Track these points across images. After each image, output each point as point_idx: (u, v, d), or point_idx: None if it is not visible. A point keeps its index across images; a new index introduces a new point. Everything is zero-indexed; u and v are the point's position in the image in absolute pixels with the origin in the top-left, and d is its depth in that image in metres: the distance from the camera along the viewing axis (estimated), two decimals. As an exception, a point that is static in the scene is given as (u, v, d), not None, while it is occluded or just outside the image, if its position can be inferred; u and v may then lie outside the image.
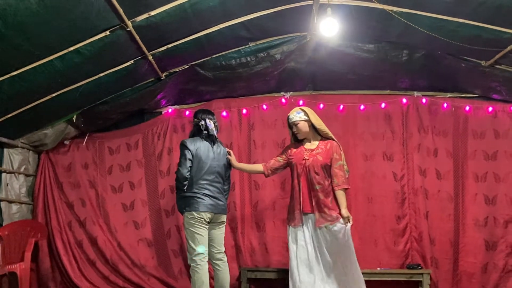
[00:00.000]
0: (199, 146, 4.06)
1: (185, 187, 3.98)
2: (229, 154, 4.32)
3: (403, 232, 5.13)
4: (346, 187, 4.10)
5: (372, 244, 5.16)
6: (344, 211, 4.02)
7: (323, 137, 4.27)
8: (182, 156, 4.03)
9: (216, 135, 4.23)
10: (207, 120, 4.18)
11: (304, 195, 4.13)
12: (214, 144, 4.17)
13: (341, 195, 4.06)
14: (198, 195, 3.96)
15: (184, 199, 4.01)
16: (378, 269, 4.96)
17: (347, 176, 4.16)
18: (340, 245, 4.00)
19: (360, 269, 4.11)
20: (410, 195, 5.18)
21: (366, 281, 4.88)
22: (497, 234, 5.01)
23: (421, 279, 4.77)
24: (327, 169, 4.12)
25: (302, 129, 4.23)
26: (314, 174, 4.09)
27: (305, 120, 4.22)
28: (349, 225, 4.00)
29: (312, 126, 4.25)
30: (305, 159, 4.16)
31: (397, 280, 4.92)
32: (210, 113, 4.31)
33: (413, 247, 5.09)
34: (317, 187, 4.07)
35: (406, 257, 5.09)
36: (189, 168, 3.99)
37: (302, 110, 4.27)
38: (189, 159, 4.00)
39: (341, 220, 4.02)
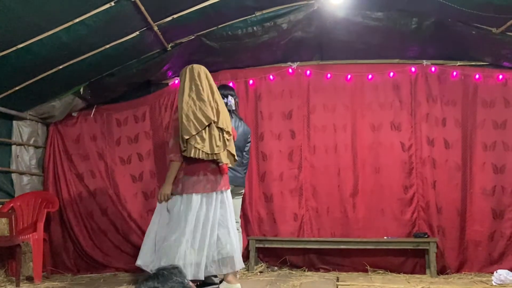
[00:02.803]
0: None
1: None
2: None
3: (410, 202, 5.15)
4: (169, 160, 3.45)
5: (379, 214, 5.19)
6: (162, 186, 3.47)
7: None
8: None
9: (236, 110, 4.30)
10: (229, 97, 4.24)
11: None
12: (232, 119, 4.20)
13: (169, 168, 3.50)
14: None
15: None
16: (385, 237, 5.01)
17: (182, 148, 3.49)
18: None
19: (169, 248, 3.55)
20: (417, 165, 5.17)
21: (373, 250, 4.98)
22: (504, 203, 5.02)
23: (427, 248, 4.82)
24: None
25: None
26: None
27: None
28: (163, 203, 3.52)
29: None
30: None
31: (404, 248, 4.98)
32: (231, 89, 4.34)
33: (420, 216, 5.12)
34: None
35: (413, 226, 5.12)
36: None
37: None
38: None
39: (173, 196, 3.56)
